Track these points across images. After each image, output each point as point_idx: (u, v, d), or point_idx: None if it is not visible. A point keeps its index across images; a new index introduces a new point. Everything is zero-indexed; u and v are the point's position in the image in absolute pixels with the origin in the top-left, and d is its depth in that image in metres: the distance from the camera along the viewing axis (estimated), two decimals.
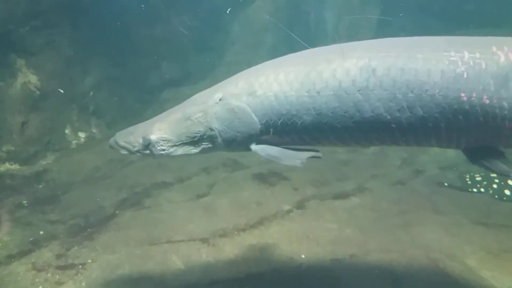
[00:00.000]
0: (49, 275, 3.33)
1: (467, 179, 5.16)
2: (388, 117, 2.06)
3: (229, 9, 7.59)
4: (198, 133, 2.42)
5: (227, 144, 2.44)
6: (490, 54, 2.02)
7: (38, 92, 5.92)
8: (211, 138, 2.43)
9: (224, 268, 3.40)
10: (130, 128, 2.62)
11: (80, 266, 3.44)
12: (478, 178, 5.14)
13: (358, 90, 2.08)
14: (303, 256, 3.55)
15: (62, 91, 5.86)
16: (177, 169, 5.43)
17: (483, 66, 1.99)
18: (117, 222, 4.18)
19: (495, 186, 4.98)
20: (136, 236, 3.89)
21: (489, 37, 2.20)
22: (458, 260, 3.45)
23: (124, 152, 2.52)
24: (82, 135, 6.57)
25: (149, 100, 7.11)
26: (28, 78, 5.86)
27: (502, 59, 2.01)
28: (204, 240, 3.80)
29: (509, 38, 2.14)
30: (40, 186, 5.16)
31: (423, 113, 2.02)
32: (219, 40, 7.82)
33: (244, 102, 2.32)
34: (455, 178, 5.27)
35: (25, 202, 4.62)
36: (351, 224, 4.05)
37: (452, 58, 2.02)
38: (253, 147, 2.39)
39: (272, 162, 2.33)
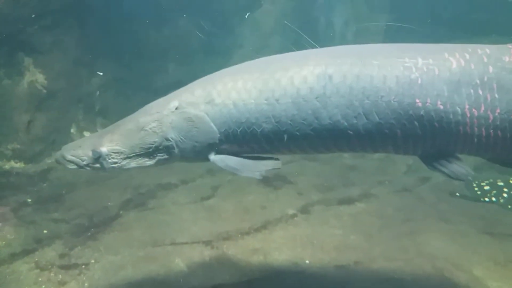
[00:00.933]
0: (52, 274, 3.32)
1: (476, 188, 5.11)
2: (346, 124, 2.07)
3: (247, 14, 7.60)
4: (153, 144, 2.34)
5: (185, 155, 2.37)
6: (442, 60, 2.05)
7: (44, 91, 5.94)
8: (167, 149, 2.35)
9: (227, 272, 3.37)
10: (78, 141, 2.55)
11: (83, 266, 3.43)
12: (486, 187, 5.10)
13: (316, 98, 2.08)
14: (307, 261, 3.52)
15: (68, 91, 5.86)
16: (182, 171, 5.41)
17: (437, 72, 2.02)
18: (121, 222, 4.17)
19: (505, 195, 4.94)
20: (140, 237, 3.87)
21: (441, 44, 2.22)
22: (464, 270, 3.41)
23: (72, 166, 2.43)
24: (87, 134, 6.59)
25: None
26: (35, 77, 5.88)
27: (454, 65, 2.03)
28: (208, 243, 3.78)
29: (460, 44, 2.16)
30: (45, 184, 5.16)
31: (379, 119, 2.03)
32: (227, 43, 7.83)
33: (202, 111, 2.27)
34: (462, 187, 5.22)
35: (29, 200, 4.62)
36: (356, 230, 4.01)
37: (406, 64, 2.04)
38: (212, 157, 2.33)
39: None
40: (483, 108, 1.99)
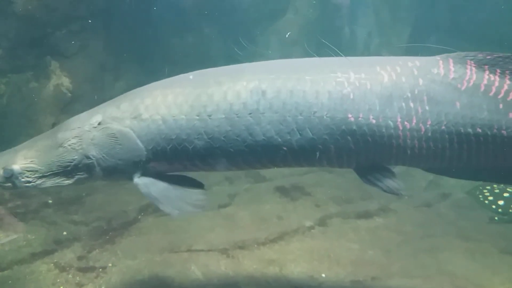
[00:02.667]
0: (70, 276, 3.37)
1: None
2: (279, 140, 2.04)
3: (288, 33, 7.65)
4: (72, 162, 2.19)
5: (107, 174, 2.24)
6: (374, 74, 2.05)
7: (69, 95, 6.07)
8: (88, 168, 2.20)
9: (242, 282, 3.37)
10: None
11: (100, 270, 3.47)
12: (500, 202, 5.03)
13: (249, 113, 2.05)
14: (323, 275, 3.48)
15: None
16: (199, 177, 5.43)
17: (368, 86, 2.02)
18: (139, 227, 4.21)
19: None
20: (157, 242, 3.90)
21: (374, 57, 2.24)
22: None
23: None
24: None
25: None
26: (61, 80, 6.02)
27: (386, 79, 2.04)
28: (224, 251, 3.78)
29: (392, 57, 2.17)
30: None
31: (313, 135, 2.02)
32: (249, 52, 7.88)
33: (128, 126, 2.15)
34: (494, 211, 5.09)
35: (50, 201, 4.71)
36: (374, 245, 3.96)
37: (339, 79, 2.04)
38: (136, 179, 2.19)
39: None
40: (414, 121, 2.00)
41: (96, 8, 6.21)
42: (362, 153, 2.07)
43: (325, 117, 2.00)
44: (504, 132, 2.03)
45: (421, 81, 2.03)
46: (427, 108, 2.00)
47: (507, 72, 2.08)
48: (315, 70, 2.09)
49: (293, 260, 3.66)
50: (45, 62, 5.89)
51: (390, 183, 2.12)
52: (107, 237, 4.00)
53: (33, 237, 3.94)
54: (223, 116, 2.06)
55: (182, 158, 2.17)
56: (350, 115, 1.99)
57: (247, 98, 2.05)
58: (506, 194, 5.11)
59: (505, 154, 2.07)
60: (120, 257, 3.65)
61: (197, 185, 2.31)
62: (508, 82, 2.06)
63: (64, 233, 4.05)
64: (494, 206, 5.02)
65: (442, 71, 2.07)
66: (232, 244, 3.89)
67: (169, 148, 2.13)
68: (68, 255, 3.67)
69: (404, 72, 2.06)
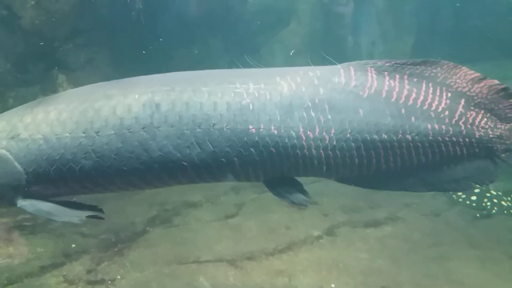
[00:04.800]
0: None
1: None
2: (178, 155, 1.93)
3: (292, 52, 7.71)
4: None
5: None
6: (274, 85, 2.02)
7: None
8: None
9: None
10: None
11: (109, 282, 3.48)
12: (473, 198, 5.23)
13: (143, 128, 1.92)
14: (333, 285, 3.47)
15: None
16: (206, 188, 5.45)
17: (268, 96, 1.99)
18: (146, 239, 4.22)
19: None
20: (165, 254, 3.90)
21: (275, 68, 2.20)
22: None
23: None
24: None
25: None
26: None
27: (285, 88, 2.01)
28: (232, 262, 3.78)
29: (294, 68, 2.14)
30: (74, 199, 5.28)
31: (214, 148, 1.94)
32: (252, 62, 7.94)
33: (4, 148, 1.97)
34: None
35: None
36: (383, 254, 3.94)
37: (237, 90, 1.99)
38: (19, 202, 2.00)
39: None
40: (318, 130, 1.98)
41: (101, 22, 6.30)
42: (268, 165, 2.01)
43: (225, 129, 1.94)
44: (408, 136, 2.04)
45: (322, 90, 2.03)
46: (329, 117, 2.00)
47: (405, 77, 2.10)
48: (213, 81, 2.04)
49: (302, 270, 3.65)
50: (52, 75, 5.96)
51: (298, 194, 2.09)
52: (116, 249, 4.01)
53: (42, 250, 3.95)
54: (113, 132, 1.92)
55: (68, 180, 1.98)
56: (251, 126, 1.95)
57: (139, 112, 1.93)
58: (476, 190, 5.22)
59: (412, 158, 2.08)
60: (129, 269, 3.65)
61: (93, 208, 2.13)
62: (407, 87, 2.08)
63: (73, 245, 4.06)
64: (468, 202, 5.18)
65: (343, 80, 2.07)
66: (240, 255, 3.89)
67: (52, 169, 1.95)
68: (77, 268, 3.67)
69: (304, 82, 2.04)
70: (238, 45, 7.66)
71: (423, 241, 4.25)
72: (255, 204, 5.11)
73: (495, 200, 5.15)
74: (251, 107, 1.96)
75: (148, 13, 6.46)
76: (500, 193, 5.29)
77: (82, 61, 6.24)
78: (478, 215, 5.00)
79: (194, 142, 1.93)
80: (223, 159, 1.96)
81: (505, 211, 5.12)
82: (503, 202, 5.14)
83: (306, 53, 8.02)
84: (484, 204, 5.14)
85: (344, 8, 8.24)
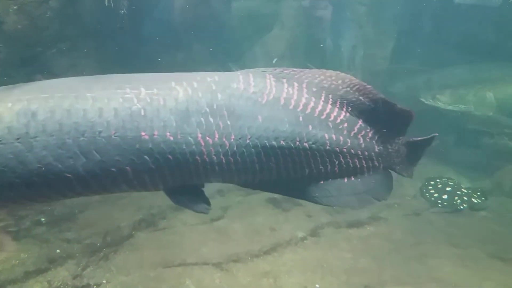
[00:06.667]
0: None
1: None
2: (60, 166, 1.79)
3: (275, 60, 7.75)
4: None
5: None
6: (168, 90, 1.95)
7: None
8: None
9: None
10: None
11: (95, 287, 3.47)
12: (444, 197, 5.46)
13: (17, 139, 1.76)
14: (317, 285, 3.52)
15: None
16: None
17: (162, 102, 1.91)
18: (132, 243, 4.21)
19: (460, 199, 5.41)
20: (151, 258, 3.91)
21: (172, 73, 2.13)
22: None
23: None
24: None
25: None
26: None
27: (181, 94, 1.95)
28: (218, 265, 3.81)
29: (191, 73, 2.12)
30: (58, 204, 5.24)
31: (101, 157, 1.82)
32: (237, 67, 8.00)
33: None
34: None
35: (43, 219, 4.69)
36: (366, 253, 4.02)
37: (127, 96, 1.88)
38: None
39: None
40: (217, 136, 1.95)
41: (86, 27, 6.28)
42: (166, 173, 1.93)
43: (113, 136, 1.82)
44: (306, 144, 2.06)
45: (220, 96, 1.99)
46: (228, 122, 1.96)
47: (304, 86, 2.12)
48: (99, 86, 1.92)
49: (287, 271, 3.70)
50: (35, 80, 5.91)
51: (200, 202, 2.08)
52: (101, 253, 3.99)
53: (26, 255, 3.92)
54: None
55: None
56: (143, 133, 1.85)
57: (12, 122, 1.77)
58: (448, 188, 5.42)
59: (311, 166, 2.11)
60: (115, 274, 3.65)
61: None
62: (305, 95, 2.10)
63: (58, 251, 4.03)
64: (440, 201, 5.39)
65: (242, 86, 2.05)
66: (225, 257, 3.92)
67: None
68: (61, 273, 3.65)
69: (201, 87, 2.00)
70: (223, 51, 7.71)
71: (405, 240, 4.35)
72: (241, 206, 5.15)
73: (465, 198, 5.36)
74: (142, 113, 1.86)
75: (132, 18, 6.47)
76: (470, 191, 5.48)
77: (66, 67, 6.21)
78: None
79: (78, 152, 1.80)
80: (113, 169, 1.85)
81: (476, 207, 5.37)
82: (473, 199, 5.36)
83: (290, 58, 8.13)
84: (455, 202, 5.34)
85: (323, 12, 8.36)
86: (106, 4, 5.87)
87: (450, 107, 6.99)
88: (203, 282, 3.56)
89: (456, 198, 5.36)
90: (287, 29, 8.50)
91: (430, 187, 5.55)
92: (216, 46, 7.63)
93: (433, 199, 5.39)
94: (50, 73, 6.04)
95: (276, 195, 5.37)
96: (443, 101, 7.08)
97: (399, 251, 4.10)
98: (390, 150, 2.26)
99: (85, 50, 6.40)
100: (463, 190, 5.48)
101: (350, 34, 8.32)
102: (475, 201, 5.33)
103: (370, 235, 4.45)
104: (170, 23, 7.03)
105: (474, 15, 7.74)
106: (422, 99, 7.25)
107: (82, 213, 4.92)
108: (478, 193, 5.44)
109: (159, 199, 5.25)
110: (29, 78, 5.81)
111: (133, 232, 4.44)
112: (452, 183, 5.64)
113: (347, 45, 8.32)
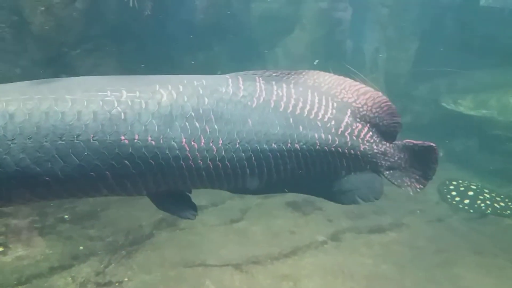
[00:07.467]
0: None
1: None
2: (38, 169, 1.77)
3: (316, 61, 7.75)
4: None
5: None
6: (151, 93, 1.90)
7: None
8: None
9: None
10: None
11: (117, 284, 3.52)
12: (466, 201, 5.40)
13: None
14: None
15: None
16: (211, 192, 5.47)
17: (143, 105, 1.86)
18: (153, 242, 4.26)
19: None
20: (171, 257, 3.95)
21: (158, 76, 2.08)
22: None
23: None
24: None
25: None
26: None
27: (165, 97, 1.90)
28: (237, 266, 3.82)
29: (178, 76, 2.07)
30: (81, 202, 5.33)
31: (80, 161, 1.79)
32: (257, 68, 8.01)
33: None
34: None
35: (66, 216, 4.78)
36: (387, 260, 3.97)
37: (107, 98, 1.84)
38: None
39: None
40: (203, 141, 1.90)
41: (109, 28, 6.38)
42: (148, 178, 1.89)
43: (92, 140, 1.78)
44: (297, 145, 2.06)
45: (207, 100, 1.95)
46: (216, 127, 1.93)
47: (291, 86, 2.12)
48: (79, 89, 1.87)
49: (307, 275, 3.69)
50: None
51: (185, 208, 2.05)
52: (123, 252, 4.05)
53: (51, 251, 4.00)
54: None
55: None
56: (123, 137, 1.81)
57: None
58: (470, 193, 5.36)
59: (302, 167, 2.10)
60: (136, 272, 3.70)
61: None
62: (294, 96, 2.09)
63: (81, 247, 4.11)
64: (461, 206, 5.34)
65: (231, 90, 2.02)
66: (245, 259, 3.93)
67: None
68: (85, 270, 3.72)
69: (187, 91, 1.96)
70: (242, 52, 7.73)
71: (427, 247, 4.28)
72: (260, 209, 5.15)
73: (488, 202, 5.26)
74: (122, 117, 1.82)
75: (156, 19, 6.55)
76: (493, 195, 5.38)
77: (90, 67, 6.32)
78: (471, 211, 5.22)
79: (56, 155, 1.77)
80: (93, 173, 1.81)
81: (498, 211, 5.25)
82: (495, 204, 5.25)
83: (311, 60, 8.10)
84: (476, 205, 5.24)
85: (343, 13, 8.30)
86: (131, 5, 5.94)
87: (472, 112, 6.87)
88: (223, 283, 3.57)
89: (479, 202, 5.26)
90: (308, 30, 8.47)
91: (451, 187, 5.46)
92: (236, 48, 7.65)
93: (454, 202, 5.31)
94: (74, 73, 6.15)
95: (296, 198, 5.37)
96: (464, 106, 6.96)
97: (421, 258, 4.05)
98: (375, 150, 2.22)
99: (108, 51, 6.51)
100: (485, 194, 5.38)
101: (373, 36, 8.24)
102: (498, 206, 5.23)
103: (391, 241, 4.40)
104: (192, 24, 7.08)
105: (498, 18, 7.59)
106: (444, 104, 7.14)
107: (104, 211, 5.00)
108: (502, 196, 5.33)
109: None
110: (53, 77, 5.93)
111: (154, 232, 4.49)
112: (474, 187, 5.54)
113: (369, 48, 8.24)
